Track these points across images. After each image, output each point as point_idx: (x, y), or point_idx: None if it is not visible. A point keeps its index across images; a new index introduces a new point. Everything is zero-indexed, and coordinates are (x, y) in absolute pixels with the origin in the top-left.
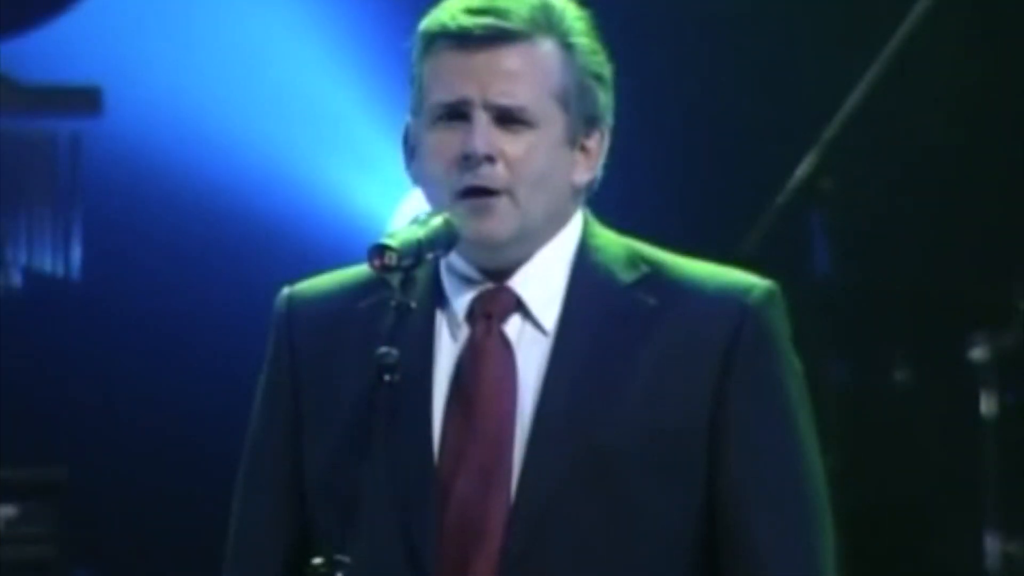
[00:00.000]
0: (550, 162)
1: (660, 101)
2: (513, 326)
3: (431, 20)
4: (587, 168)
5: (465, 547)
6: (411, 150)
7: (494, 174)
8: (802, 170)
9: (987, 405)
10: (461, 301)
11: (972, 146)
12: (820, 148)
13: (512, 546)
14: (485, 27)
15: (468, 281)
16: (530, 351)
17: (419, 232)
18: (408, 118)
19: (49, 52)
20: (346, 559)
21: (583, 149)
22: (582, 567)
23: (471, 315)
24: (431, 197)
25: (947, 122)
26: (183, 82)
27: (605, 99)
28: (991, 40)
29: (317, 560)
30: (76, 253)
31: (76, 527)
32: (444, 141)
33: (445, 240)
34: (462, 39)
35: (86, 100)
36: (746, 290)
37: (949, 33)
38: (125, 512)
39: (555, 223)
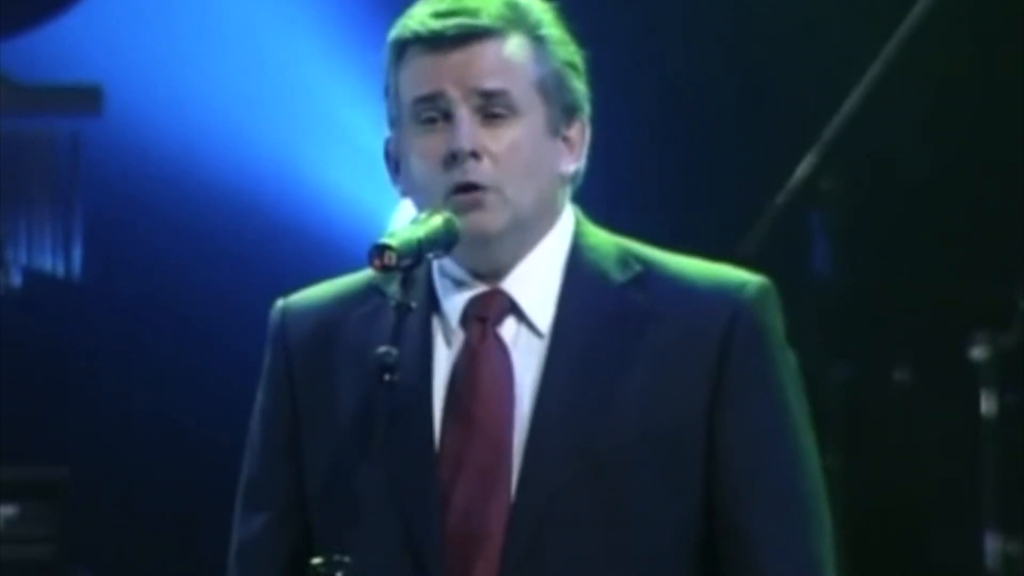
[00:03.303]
0: (536, 153)
1: (659, 101)
2: (508, 329)
3: (400, 28)
4: (572, 158)
5: (467, 550)
6: (395, 164)
7: (481, 170)
8: (802, 170)
9: (987, 405)
10: (455, 305)
11: (972, 146)
12: (820, 148)
13: (513, 548)
14: (457, 26)
15: (461, 284)
16: (526, 353)
17: (419, 232)
18: (387, 134)
19: (49, 52)
20: (346, 559)
21: (565, 140)
22: (582, 566)
23: (465, 319)
24: (421, 204)
25: (947, 122)
26: (183, 81)
27: (581, 88)
28: (992, 39)
29: (317, 560)
30: (76, 253)
31: (76, 527)
32: (429, 143)
33: (445, 239)
34: (435, 42)
35: (86, 100)
36: (739, 286)
37: (949, 33)
38: (125, 512)
39: (546, 216)
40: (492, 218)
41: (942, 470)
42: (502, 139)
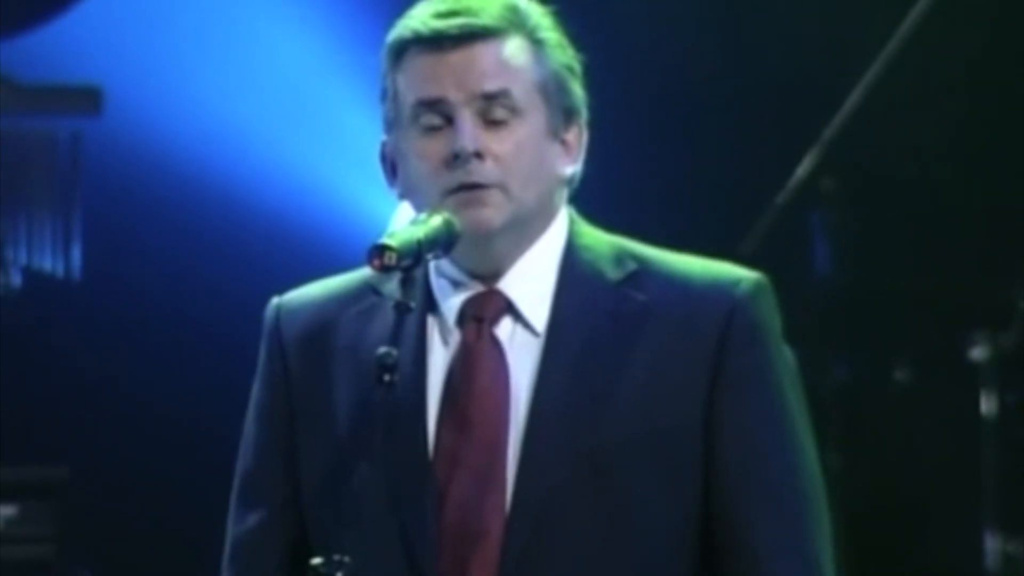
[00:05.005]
0: (538, 154)
1: (660, 101)
2: (504, 328)
3: (401, 29)
4: (569, 161)
5: (463, 549)
6: (391, 166)
7: (484, 170)
8: (802, 170)
9: (987, 405)
10: (451, 305)
11: (972, 146)
12: (820, 148)
13: (510, 547)
14: (459, 27)
15: (457, 285)
16: (522, 353)
17: (419, 232)
18: (383, 137)
19: (49, 52)
20: (345, 559)
21: (563, 143)
22: (580, 566)
23: (462, 319)
24: (420, 206)
25: (947, 121)
26: (183, 82)
27: (579, 92)
28: (991, 39)
29: (316, 560)
30: (76, 253)
31: (76, 527)
32: (430, 146)
33: (445, 240)
34: (436, 42)
35: (86, 100)
36: (734, 283)
37: (949, 32)
38: (125, 512)
39: (545, 216)
40: (494, 214)
41: (942, 470)
42: (505, 141)
